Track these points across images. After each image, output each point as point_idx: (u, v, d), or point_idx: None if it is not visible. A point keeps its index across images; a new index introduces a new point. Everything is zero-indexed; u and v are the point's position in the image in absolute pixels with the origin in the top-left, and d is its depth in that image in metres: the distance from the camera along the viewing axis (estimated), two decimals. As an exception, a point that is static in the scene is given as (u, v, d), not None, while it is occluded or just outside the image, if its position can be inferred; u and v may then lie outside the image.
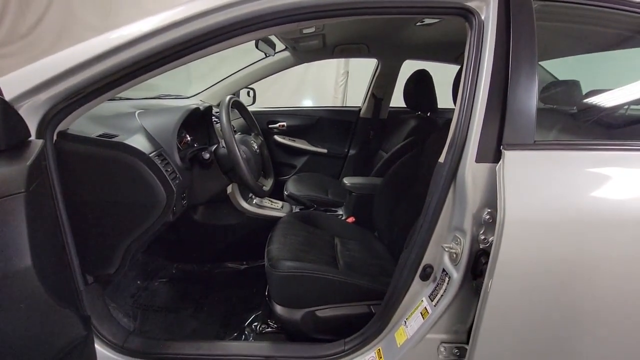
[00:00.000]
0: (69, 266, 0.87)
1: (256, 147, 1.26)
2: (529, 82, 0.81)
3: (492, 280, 0.76)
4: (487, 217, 0.80)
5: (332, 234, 1.51)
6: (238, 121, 2.00)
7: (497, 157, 0.80)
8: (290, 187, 2.01)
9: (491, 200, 0.80)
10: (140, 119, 1.08)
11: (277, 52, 2.16)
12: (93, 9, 3.56)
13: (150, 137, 1.02)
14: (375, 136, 2.34)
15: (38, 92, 0.79)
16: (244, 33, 0.86)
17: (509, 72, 0.81)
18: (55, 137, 0.87)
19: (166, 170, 0.97)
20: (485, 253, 0.81)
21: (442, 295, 0.87)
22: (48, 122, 0.82)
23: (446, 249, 0.85)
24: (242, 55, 2.25)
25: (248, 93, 2.43)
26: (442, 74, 1.90)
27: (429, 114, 1.97)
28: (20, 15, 3.45)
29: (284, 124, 2.44)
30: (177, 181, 1.00)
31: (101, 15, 3.54)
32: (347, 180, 1.71)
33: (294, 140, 2.46)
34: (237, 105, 1.31)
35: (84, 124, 0.98)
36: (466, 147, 0.82)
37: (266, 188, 1.26)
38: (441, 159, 0.89)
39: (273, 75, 2.31)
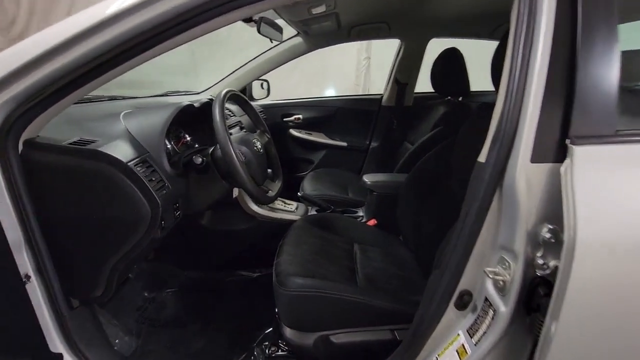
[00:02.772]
0: (29, 303, 0.77)
1: (260, 146, 1.11)
2: (607, 51, 0.59)
3: (557, 321, 0.56)
4: (548, 235, 0.60)
5: (350, 240, 1.35)
6: (246, 117, 1.86)
7: (561, 155, 0.59)
8: (307, 185, 1.85)
9: (553, 212, 0.60)
10: (125, 120, 0.96)
11: (290, 38, 1.99)
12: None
13: (134, 142, 0.90)
14: (399, 126, 2.12)
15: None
16: (236, 8, 0.70)
17: (578, 38, 0.60)
18: (21, 147, 0.76)
19: (150, 180, 0.84)
20: (545, 282, 0.61)
21: (485, 332, 0.69)
22: (8, 129, 0.71)
23: (490, 275, 0.66)
24: (251, 45, 2.10)
25: (262, 85, 2.29)
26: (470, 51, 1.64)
27: (460, 99, 1.73)
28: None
29: (300, 116, 2.27)
30: (164, 191, 0.87)
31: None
32: (367, 178, 1.53)
33: (311, 134, 2.30)
34: (238, 100, 1.16)
35: (59, 128, 0.87)
36: (516, 142, 0.62)
37: (272, 193, 1.11)
38: (481, 158, 0.69)
39: (291, 65, 2.15)
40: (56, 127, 0.89)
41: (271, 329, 1.26)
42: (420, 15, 1.75)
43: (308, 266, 1.08)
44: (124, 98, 1.65)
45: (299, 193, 1.55)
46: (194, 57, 3.40)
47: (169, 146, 1.10)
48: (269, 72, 2.12)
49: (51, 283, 0.82)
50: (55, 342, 0.84)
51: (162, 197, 0.85)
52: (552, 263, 0.61)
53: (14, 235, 0.76)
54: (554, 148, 0.60)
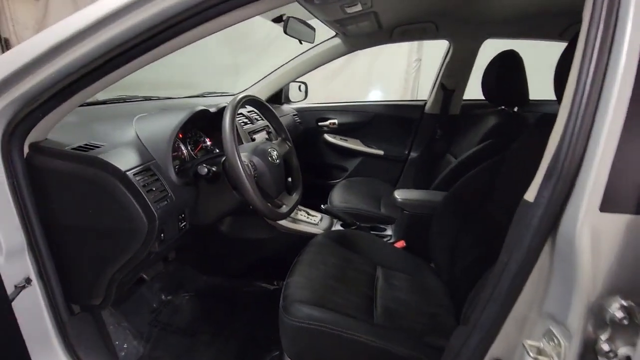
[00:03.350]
0: (14, 326, 0.75)
1: (276, 156, 1.02)
2: None
3: None
4: (620, 314, 0.43)
5: (374, 262, 1.21)
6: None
7: (648, 204, 0.42)
8: (336, 195, 1.74)
9: (630, 283, 0.43)
10: (137, 124, 0.93)
11: (329, 39, 1.89)
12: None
13: (140, 148, 0.86)
14: (443, 136, 1.92)
15: (-8, 99, 0.66)
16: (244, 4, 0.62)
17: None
18: (27, 150, 0.75)
19: (150, 190, 0.79)
20: (613, 377, 0.44)
21: (519, 423, 0.53)
22: (11, 132, 0.70)
23: (531, 352, 0.50)
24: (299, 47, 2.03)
25: (299, 87, 2.22)
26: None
27: (515, 109, 1.50)
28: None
29: (335, 121, 2.17)
30: (165, 202, 0.82)
31: None
32: (398, 195, 1.38)
33: (346, 140, 2.18)
34: (257, 105, 1.09)
35: (72, 131, 0.86)
36: (580, 180, 0.46)
37: (285, 208, 1.02)
38: (529, 195, 0.53)
39: (336, 66, 2.04)
40: (70, 129, 0.88)
41: (278, 352, 1.17)
42: (474, 14, 1.55)
43: (320, 292, 0.97)
44: (158, 98, 1.68)
45: (322, 206, 1.45)
46: (242, 58, 3.44)
47: (184, 151, 1.06)
48: (307, 73, 2.05)
49: (52, 288, 0.81)
50: (55, 349, 0.83)
51: (162, 209, 0.80)
52: (622, 351, 0.44)
53: (17, 239, 0.75)
54: (636, 195, 0.43)
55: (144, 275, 1.27)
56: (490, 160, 1.12)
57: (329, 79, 3.67)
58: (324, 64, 1.98)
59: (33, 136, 0.74)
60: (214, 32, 0.69)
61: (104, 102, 1.32)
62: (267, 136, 1.48)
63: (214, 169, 0.94)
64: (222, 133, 0.85)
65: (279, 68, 2.05)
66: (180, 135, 1.07)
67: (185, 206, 0.93)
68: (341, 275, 1.09)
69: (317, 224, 1.49)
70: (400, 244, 1.37)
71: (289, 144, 1.19)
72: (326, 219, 1.55)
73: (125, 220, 0.76)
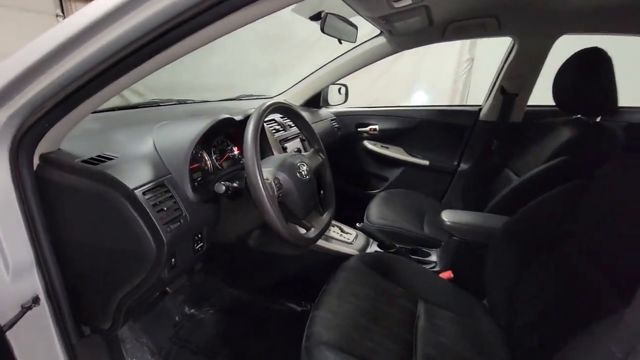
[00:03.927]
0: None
1: (305, 171, 0.90)
2: None
3: None
4: None
5: (415, 296, 1.05)
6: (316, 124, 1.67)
7: None
8: (374, 209, 1.58)
9: None
10: (156, 133, 0.85)
11: (372, 38, 1.74)
12: None
13: (156, 161, 0.78)
14: (500, 147, 1.67)
15: (-6, 109, 0.61)
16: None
17: None
18: (37, 161, 0.70)
19: (161, 210, 0.70)
20: None
21: None
22: (18, 144, 0.65)
23: None
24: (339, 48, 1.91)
25: (339, 90, 2.09)
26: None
27: (599, 119, 1.24)
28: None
29: (376, 127, 2.01)
30: (177, 223, 0.73)
31: None
32: (447, 217, 1.19)
33: (387, 148, 2.01)
34: (287, 112, 0.97)
35: (86, 140, 0.80)
36: None
37: (314, 231, 0.89)
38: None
39: (380, 67, 1.88)
40: (87, 137, 0.83)
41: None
42: (547, 5, 1.31)
43: (349, 334, 0.83)
44: (193, 102, 1.63)
45: (357, 224, 1.30)
46: (281, 60, 3.39)
47: (208, 162, 0.97)
48: (347, 75, 1.91)
49: (60, 308, 0.75)
50: None
51: (173, 232, 0.71)
52: None
53: (25, 255, 0.71)
54: None
55: (167, 288, 1.21)
56: (570, 183, 0.90)
57: (370, 82, 3.49)
58: (366, 65, 1.83)
59: (43, 146, 0.69)
60: (229, 31, 0.58)
61: (135, 107, 1.29)
62: (300, 145, 1.37)
63: (235, 184, 0.84)
64: (243, 147, 0.74)
65: (318, 70, 1.93)
66: (204, 144, 0.99)
67: (204, 225, 0.84)
68: (375, 312, 0.94)
69: (351, 243, 1.35)
70: (447, 274, 1.18)
71: (322, 155, 1.06)
72: (361, 237, 1.40)
73: (133, 243, 0.68)
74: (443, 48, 3.21)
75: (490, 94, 1.75)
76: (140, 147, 0.80)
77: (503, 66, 1.66)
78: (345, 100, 2.12)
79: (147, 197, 0.69)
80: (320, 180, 1.04)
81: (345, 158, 2.13)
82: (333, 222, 1.44)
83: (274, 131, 1.25)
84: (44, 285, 0.73)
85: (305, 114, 1.81)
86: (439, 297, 1.07)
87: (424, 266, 1.24)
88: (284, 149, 1.25)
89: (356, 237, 1.40)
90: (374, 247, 1.38)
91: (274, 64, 3.35)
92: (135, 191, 0.67)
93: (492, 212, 1.24)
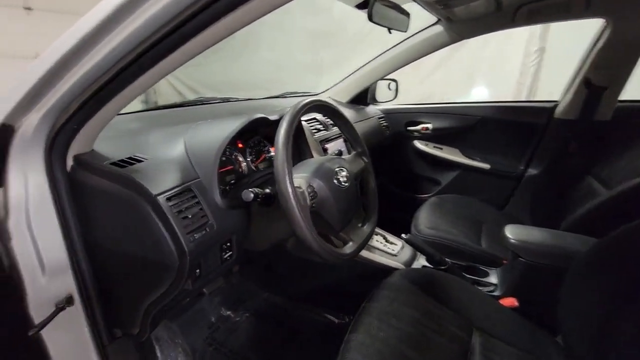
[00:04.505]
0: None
1: (344, 178, 0.80)
2: None
3: None
4: None
5: (469, 323, 0.90)
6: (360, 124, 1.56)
7: None
8: (423, 216, 1.42)
9: None
10: (187, 135, 0.81)
11: (427, 28, 1.57)
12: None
13: (185, 164, 0.73)
14: (581, 150, 1.42)
15: (27, 111, 0.60)
16: None
17: None
18: (71, 162, 0.69)
19: (185, 217, 0.66)
20: None
21: None
22: (50, 146, 0.64)
23: None
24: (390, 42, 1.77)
25: (389, 85, 1.95)
26: None
27: None
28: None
29: (428, 125, 1.83)
30: (203, 232, 0.68)
31: None
32: (512, 234, 1.00)
33: (441, 148, 1.82)
34: (326, 111, 0.87)
35: (120, 140, 0.79)
36: None
37: (350, 248, 0.79)
38: None
39: (434, 59, 1.71)
40: (122, 137, 0.82)
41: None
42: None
43: (390, 362, 0.73)
44: (237, 100, 1.61)
45: (403, 235, 1.16)
46: (329, 55, 3.31)
47: (243, 164, 0.92)
48: (398, 69, 1.76)
49: (93, 309, 0.75)
50: None
51: (197, 242, 0.66)
52: None
53: (60, 257, 0.71)
54: None
55: (204, 289, 1.20)
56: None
57: (423, 76, 3.25)
58: (419, 58, 1.66)
59: (76, 147, 0.68)
60: (248, 23, 0.50)
61: (180, 105, 1.29)
62: (343, 146, 1.26)
63: (267, 190, 0.77)
64: (275, 151, 0.67)
65: (366, 64, 1.81)
66: (240, 145, 0.93)
67: (232, 233, 0.78)
68: (420, 339, 0.82)
69: (395, 255, 1.22)
70: (510, 301, 1.00)
71: (365, 159, 0.95)
72: (408, 249, 1.26)
73: (155, 252, 0.64)
74: (507, 36, 2.87)
75: (570, 88, 1.49)
76: (170, 148, 0.77)
77: (589, 53, 1.39)
78: (395, 97, 1.97)
79: (171, 203, 0.64)
80: (363, 187, 0.94)
81: (393, 159, 1.98)
82: (377, 229, 1.32)
83: (314, 131, 1.17)
84: (77, 286, 0.73)
85: (350, 112, 1.71)
86: (499, 328, 0.90)
87: (480, 288, 1.08)
88: (325, 150, 1.16)
89: (402, 248, 1.27)
90: (421, 262, 1.23)
91: (324, 60, 3.28)
92: (159, 197, 0.63)
93: (571, 230, 1.03)
